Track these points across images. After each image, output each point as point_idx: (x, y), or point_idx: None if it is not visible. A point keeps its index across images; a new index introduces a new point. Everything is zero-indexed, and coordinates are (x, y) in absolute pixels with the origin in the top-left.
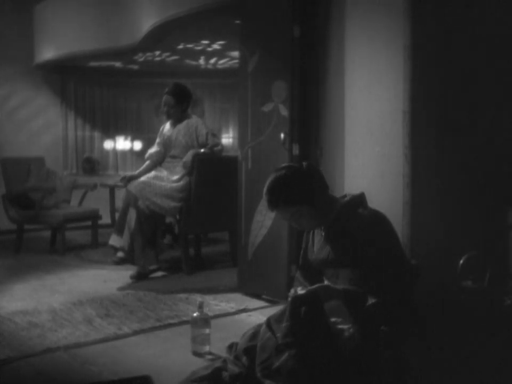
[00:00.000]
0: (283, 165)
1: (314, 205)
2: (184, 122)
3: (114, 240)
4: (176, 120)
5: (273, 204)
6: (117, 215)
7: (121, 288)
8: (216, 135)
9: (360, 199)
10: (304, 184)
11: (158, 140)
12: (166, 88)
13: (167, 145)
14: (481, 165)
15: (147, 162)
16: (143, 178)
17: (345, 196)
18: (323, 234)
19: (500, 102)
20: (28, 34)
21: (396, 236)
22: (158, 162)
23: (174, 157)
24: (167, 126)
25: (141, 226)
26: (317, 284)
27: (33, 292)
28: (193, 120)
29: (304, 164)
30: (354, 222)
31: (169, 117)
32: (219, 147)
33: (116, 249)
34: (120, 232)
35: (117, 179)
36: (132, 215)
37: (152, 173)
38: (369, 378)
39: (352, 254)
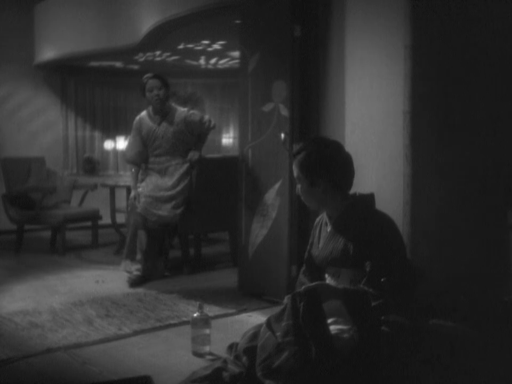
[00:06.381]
0: (331, 139)
1: (334, 186)
2: (170, 118)
3: (127, 266)
4: (160, 113)
5: (302, 166)
6: (117, 215)
7: (121, 289)
8: (203, 116)
9: (370, 199)
10: (338, 165)
11: (135, 139)
12: (143, 79)
13: (151, 142)
14: (482, 164)
15: (134, 170)
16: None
17: (354, 193)
18: (330, 229)
19: (500, 101)
20: (28, 34)
21: (402, 240)
22: (142, 162)
23: (160, 155)
24: (146, 122)
25: (153, 243)
26: (316, 282)
27: (33, 292)
28: (179, 112)
29: (348, 152)
30: (364, 219)
31: (161, 101)
32: (211, 125)
33: (128, 272)
34: (132, 258)
35: (117, 179)
36: (142, 237)
37: (150, 186)
38: (369, 379)
39: (357, 250)
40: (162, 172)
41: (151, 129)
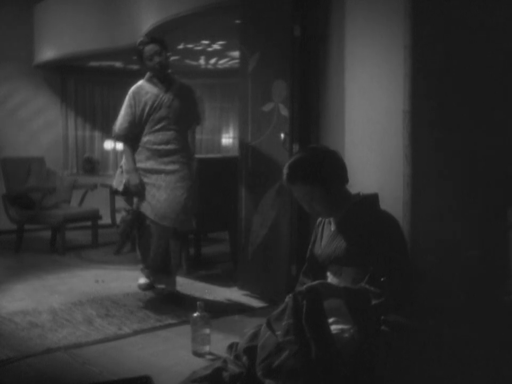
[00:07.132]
0: (311, 145)
1: (328, 188)
2: (177, 87)
3: (162, 281)
4: (165, 80)
5: (291, 179)
6: (117, 215)
7: (121, 288)
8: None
9: (374, 199)
10: (323, 166)
11: (126, 111)
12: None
13: (154, 112)
14: (482, 164)
15: (128, 150)
16: (172, 206)
17: (358, 193)
18: (333, 228)
19: (500, 101)
20: (28, 34)
21: (405, 240)
22: (132, 137)
23: (164, 129)
24: (149, 90)
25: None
26: (318, 281)
27: (33, 292)
28: (185, 85)
29: (332, 149)
30: (369, 219)
31: (163, 68)
32: (201, 119)
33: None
34: (167, 273)
35: None
36: (175, 247)
37: (158, 197)
38: (369, 378)
39: (361, 249)
40: (166, 162)
41: (157, 95)
